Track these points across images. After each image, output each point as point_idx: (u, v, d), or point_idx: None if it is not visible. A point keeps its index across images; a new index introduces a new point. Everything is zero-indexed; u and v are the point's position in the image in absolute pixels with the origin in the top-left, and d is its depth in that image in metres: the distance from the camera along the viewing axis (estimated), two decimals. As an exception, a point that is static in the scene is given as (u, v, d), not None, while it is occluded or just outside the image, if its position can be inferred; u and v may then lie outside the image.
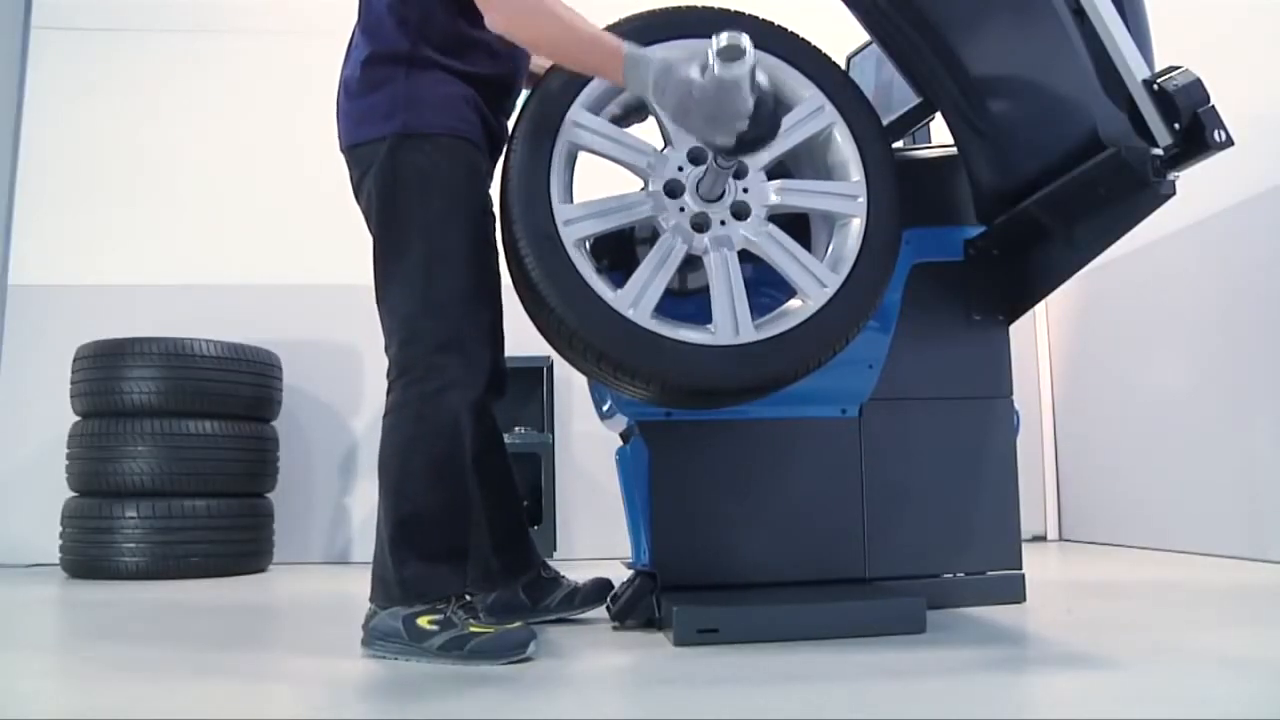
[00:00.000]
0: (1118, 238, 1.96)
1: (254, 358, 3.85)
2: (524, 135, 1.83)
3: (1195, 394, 3.57)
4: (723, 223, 1.85)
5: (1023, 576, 2.29)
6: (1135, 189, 1.78)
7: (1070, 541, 4.48)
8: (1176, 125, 1.69)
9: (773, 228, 1.86)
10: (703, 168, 1.84)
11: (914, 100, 2.24)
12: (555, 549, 3.97)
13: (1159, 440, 3.79)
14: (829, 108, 1.92)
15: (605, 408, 2.30)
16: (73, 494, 3.71)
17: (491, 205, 1.99)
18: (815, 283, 1.84)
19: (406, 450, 1.83)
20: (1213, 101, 1.67)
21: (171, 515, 3.55)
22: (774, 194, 1.88)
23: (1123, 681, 1.51)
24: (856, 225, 1.89)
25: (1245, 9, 3.31)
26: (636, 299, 1.79)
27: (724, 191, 1.85)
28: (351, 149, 1.93)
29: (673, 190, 1.84)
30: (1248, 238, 3.30)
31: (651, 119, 1.96)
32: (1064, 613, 2.26)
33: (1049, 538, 4.58)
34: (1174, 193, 1.78)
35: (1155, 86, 1.70)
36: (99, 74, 4.42)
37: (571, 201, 1.83)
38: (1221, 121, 1.67)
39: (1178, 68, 1.72)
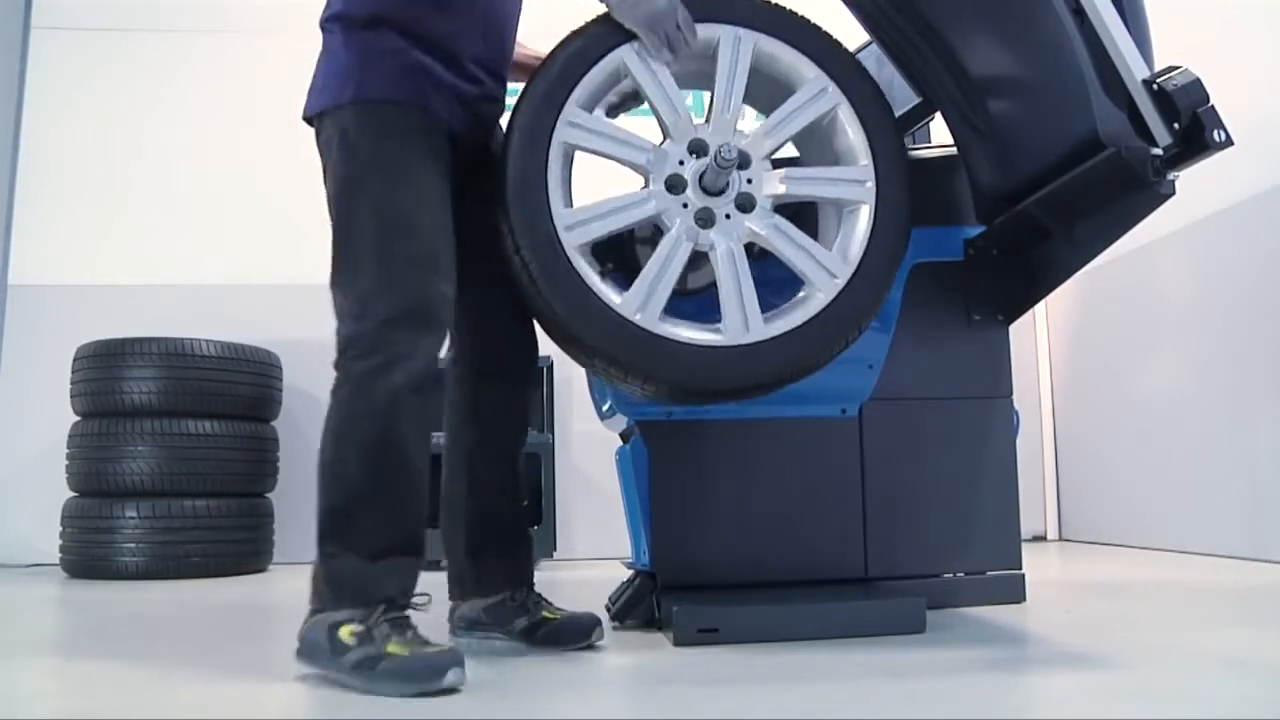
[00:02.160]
0: (1118, 238, 1.96)
1: (254, 358, 3.85)
2: (518, 141, 1.78)
3: (1195, 394, 3.57)
4: (728, 216, 1.81)
5: (1023, 576, 2.29)
6: (1135, 189, 1.78)
7: (1070, 541, 4.48)
8: (1176, 125, 1.69)
9: (779, 219, 1.83)
10: (704, 160, 1.80)
11: (914, 100, 2.24)
12: (555, 549, 3.97)
13: (1159, 440, 3.79)
14: (833, 89, 1.86)
15: (605, 408, 2.30)
16: (73, 494, 3.72)
17: (447, 171, 1.83)
18: (825, 274, 1.80)
19: (339, 432, 1.68)
20: (1212, 101, 1.67)
21: (171, 515, 3.55)
22: (779, 183, 1.83)
23: (1123, 681, 1.51)
24: (866, 212, 1.84)
25: (1245, 9, 3.31)
26: (644, 302, 1.75)
27: (727, 184, 1.81)
28: (310, 121, 1.86)
29: (674, 185, 1.80)
30: (1248, 238, 3.29)
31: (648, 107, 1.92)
32: (1064, 613, 2.26)
33: (1049, 538, 4.58)
34: (1174, 193, 1.78)
35: (1155, 86, 1.70)
36: (99, 74, 4.43)
37: (571, 205, 1.79)
38: (1221, 121, 1.67)
39: (1177, 67, 1.72)
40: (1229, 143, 1.67)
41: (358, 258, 1.74)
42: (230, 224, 4.38)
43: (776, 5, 1.91)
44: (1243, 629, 2.03)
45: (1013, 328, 2.33)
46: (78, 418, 3.75)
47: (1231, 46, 3.26)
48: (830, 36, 1.92)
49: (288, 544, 4.01)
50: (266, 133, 4.35)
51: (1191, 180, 1.81)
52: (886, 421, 2.23)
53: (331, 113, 1.80)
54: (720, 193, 1.81)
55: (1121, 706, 1.37)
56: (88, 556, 3.56)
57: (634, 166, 1.84)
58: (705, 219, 1.80)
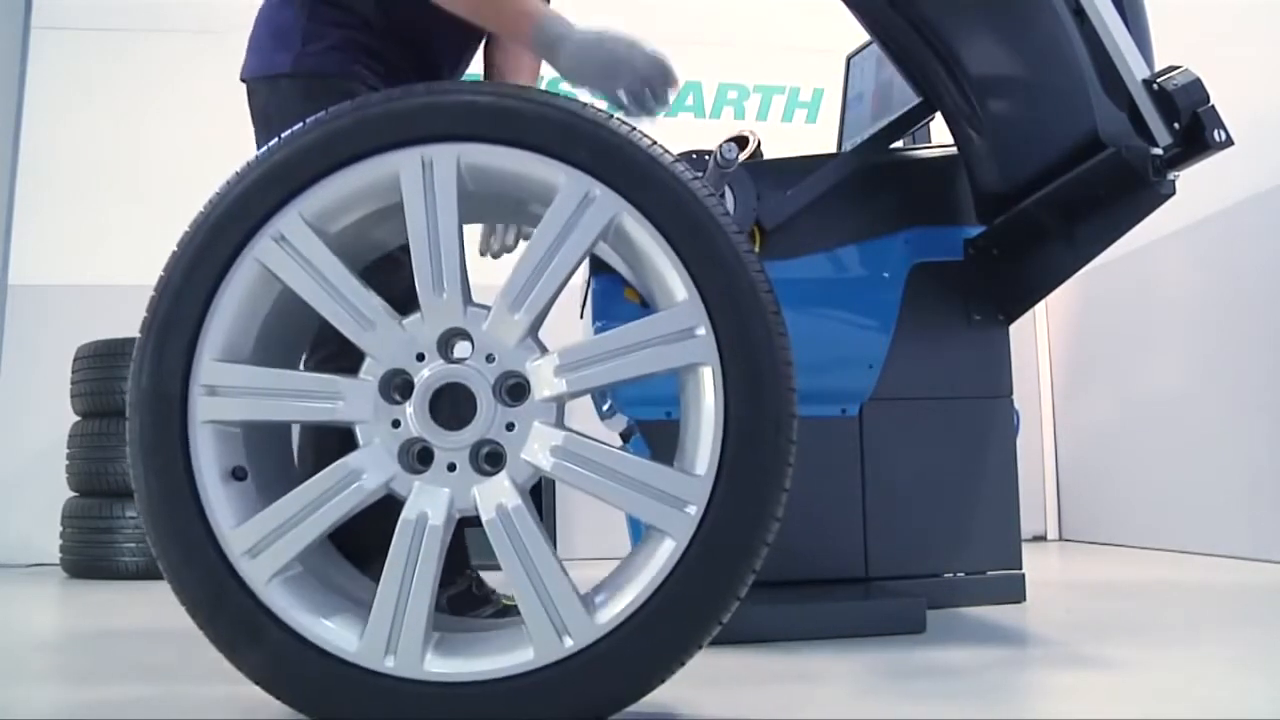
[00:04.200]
0: (1118, 238, 1.96)
1: (254, 358, 3.85)
2: (194, 233, 1.21)
3: (1195, 394, 3.57)
4: (451, 468, 1.14)
5: (1023, 576, 2.29)
6: (1135, 189, 1.78)
7: (1070, 541, 4.48)
8: (1176, 125, 1.69)
9: (519, 507, 1.20)
10: (454, 369, 1.14)
11: (914, 100, 2.24)
12: (555, 549, 3.96)
13: (1159, 440, 3.79)
14: (602, 191, 1.16)
15: (605, 407, 2.29)
16: (73, 494, 3.72)
17: None
18: (666, 507, 1.22)
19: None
20: (1212, 101, 1.68)
21: (171, 515, 3.55)
22: (553, 382, 1.17)
23: (1123, 681, 1.51)
24: (710, 377, 1.21)
25: (1245, 9, 3.31)
26: (261, 544, 1.16)
27: (474, 413, 1.15)
28: (244, 83, 1.76)
29: (396, 385, 1.16)
30: (1248, 238, 3.30)
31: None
32: (1064, 613, 2.26)
33: (1049, 538, 4.58)
34: (1174, 193, 1.78)
35: (1155, 86, 1.70)
36: (99, 74, 4.43)
37: (246, 360, 1.18)
38: (1221, 121, 1.67)
39: (1177, 67, 1.72)
40: (1229, 143, 1.67)
41: None
42: (230, 224, 4.37)
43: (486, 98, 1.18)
44: (1243, 629, 2.03)
45: (1013, 328, 2.33)
46: (78, 418, 3.75)
47: (1231, 46, 3.26)
48: (581, 108, 1.18)
49: (288, 544, 4.01)
50: (266, 133, 4.37)
51: (1191, 180, 1.81)
52: (886, 421, 2.23)
53: (265, 80, 1.70)
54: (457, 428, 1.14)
55: (1122, 706, 1.37)
56: (88, 556, 3.57)
57: (348, 336, 1.17)
58: (423, 457, 1.15)
